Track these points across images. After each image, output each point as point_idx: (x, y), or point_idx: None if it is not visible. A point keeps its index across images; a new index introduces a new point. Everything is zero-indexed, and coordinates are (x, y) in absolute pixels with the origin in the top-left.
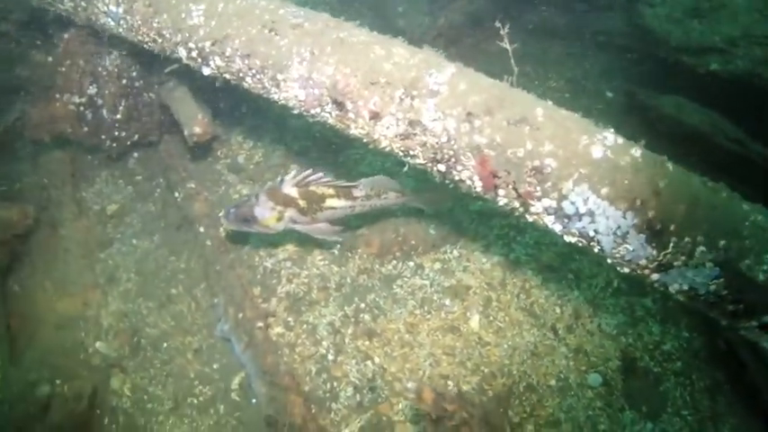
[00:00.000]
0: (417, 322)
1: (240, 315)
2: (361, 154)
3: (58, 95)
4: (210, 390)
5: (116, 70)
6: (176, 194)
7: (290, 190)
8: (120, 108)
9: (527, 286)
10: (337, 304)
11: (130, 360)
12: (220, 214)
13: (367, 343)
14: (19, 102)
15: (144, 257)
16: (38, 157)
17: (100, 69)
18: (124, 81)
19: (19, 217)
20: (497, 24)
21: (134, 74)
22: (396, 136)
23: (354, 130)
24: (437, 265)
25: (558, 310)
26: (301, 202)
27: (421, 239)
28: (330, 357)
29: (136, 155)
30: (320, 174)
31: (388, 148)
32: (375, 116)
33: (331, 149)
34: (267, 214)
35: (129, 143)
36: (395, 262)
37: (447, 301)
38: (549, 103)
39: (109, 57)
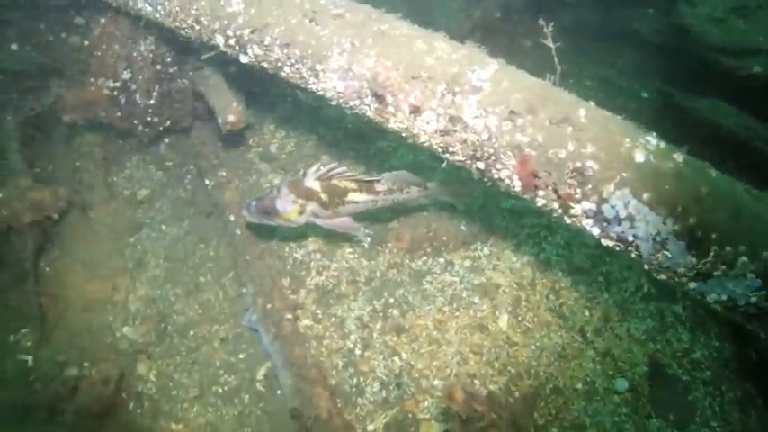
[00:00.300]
0: (446, 319)
1: (269, 306)
2: (393, 146)
3: (92, 80)
4: (236, 379)
5: (150, 56)
6: (207, 182)
7: (312, 183)
8: (154, 93)
9: (557, 287)
10: (366, 298)
11: (157, 346)
12: (243, 207)
13: (395, 338)
14: (55, 86)
15: (173, 244)
16: (71, 140)
17: (134, 55)
18: (158, 67)
19: (52, 199)
20: (540, 22)
21: (168, 60)
22: (435, 132)
23: (393, 124)
24: (467, 263)
25: (587, 313)
26: (323, 196)
27: (452, 236)
28: (357, 352)
29: (167, 140)
30: (343, 168)
31: (426, 144)
32: (415, 111)
33: (363, 141)
34: (289, 207)
35: (161, 129)
36: (425, 257)
37: (476, 299)
38: (592, 103)
39: (144, 42)
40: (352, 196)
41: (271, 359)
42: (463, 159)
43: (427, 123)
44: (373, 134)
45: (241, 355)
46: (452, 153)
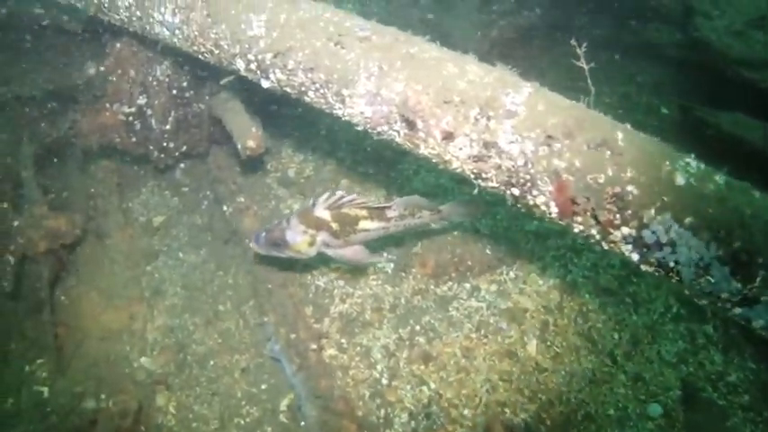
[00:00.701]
0: (474, 346)
1: (293, 336)
2: (414, 169)
3: (107, 105)
4: (258, 411)
5: (166, 80)
6: (225, 208)
7: (321, 212)
8: (170, 119)
9: (584, 310)
10: (391, 326)
11: (176, 377)
12: (252, 239)
13: (422, 367)
14: (71, 110)
15: (191, 271)
16: (85, 166)
17: (150, 79)
18: (174, 91)
19: (67, 227)
20: (572, 42)
21: (184, 84)
22: (469, 157)
23: (424, 150)
24: (493, 287)
25: (616, 336)
26: (334, 225)
27: (477, 260)
28: (384, 381)
29: (183, 166)
30: (353, 195)
31: (459, 170)
32: (448, 136)
33: (383, 163)
34: (299, 238)
35: (177, 154)
36: (450, 283)
37: (504, 325)
38: (628, 126)
39: (160, 67)
40: (363, 224)
41: (294, 390)
42: (497, 185)
43: (460, 149)
44: (394, 156)
45: (263, 386)
46: (486, 179)
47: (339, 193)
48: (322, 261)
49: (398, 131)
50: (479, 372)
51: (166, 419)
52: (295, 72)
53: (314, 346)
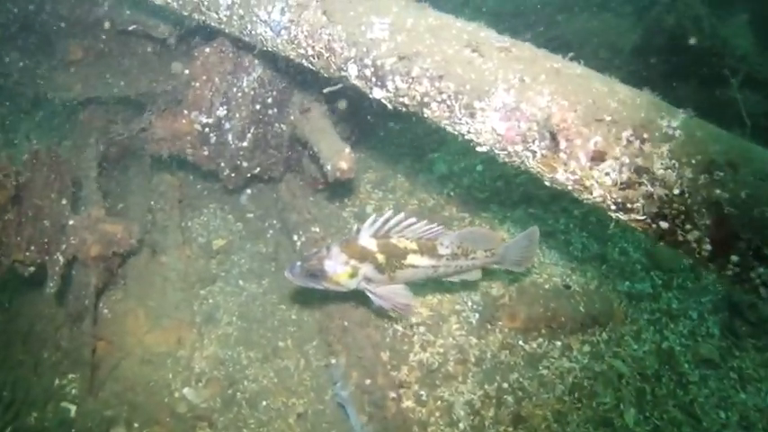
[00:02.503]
0: (567, 410)
1: (368, 381)
2: (499, 218)
3: (185, 111)
4: None
5: (251, 93)
6: (295, 238)
7: (367, 241)
8: (248, 135)
9: (683, 381)
10: (476, 381)
11: (221, 415)
12: (286, 268)
13: (510, 429)
14: (147, 111)
15: (250, 301)
16: (148, 178)
17: (235, 90)
18: (258, 107)
19: (123, 234)
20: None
21: (269, 101)
22: (615, 184)
23: (561, 175)
24: (586, 348)
25: (722, 415)
26: (380, 257)
27: (570, 317)
28: None
29: (249, 192)
30: (401, 216)
31: (598, 199)
32: (595, 158)
33: (467, 209)
34: (339, 269)
35: (248, 175)
36: (540, 339)
37: (599, 390)
38: None
39: (247, 78)
40: (411, 259)
41: None
42: (643, 218)
43: (606, 174)
44: (478, 204)
45: None
46: (630, 210)
47: (387, 213)
48: None
49: (534, 152)
50: None
51: None
52: (419, 80)
53: (393, 395)
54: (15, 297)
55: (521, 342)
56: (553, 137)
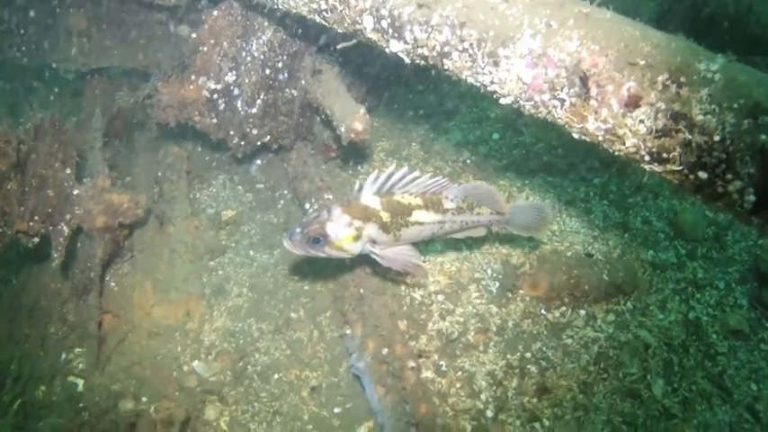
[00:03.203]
0: (592, 381)
1: (385, 350)
2: (517, 186)
3: (193, 77)
4: None
5: (261, 58)
6: (308, 206)
7: (370, 200)
8: (258, 102)
9: (712, 352)
10: (498, 351)
11: (231, 388)
12: (285, 237)
13: (534, 401)
14: (153, 77)
15: (261, 272)
16: (155, 149)
17: (244, 55)
18: (268, 71)
19: (130, 205)
20: None
21: (279, 65)
22: (650, 132)
23: (591, 124)
24: (610, 317)
25: (754, 387)
26: (384, 215)
27: (594, 286)
28: (489, 414)
29: (259, 162)
30: (404, 170)
31: (631, 150)
32: (629, 104)
33: (486, 176)
34: (343, 232)
35: (258, 143)
36: (563, 308)
37: (625, 360)
38: None
39: (257, 41)
40: (417, 215)
41: (376, 417)
42: (679, 168)
43: (640, 122)
44: (495, 171)
45: (336, 410)
46: (665, 160)
47: (390, 168)
48: None
49: (562, 101)
50: (599, 411)
51: None
52: (440, 28)
53: (412, 365)
54: (20, 272)
55: (543, 311)
56: (583, 83)
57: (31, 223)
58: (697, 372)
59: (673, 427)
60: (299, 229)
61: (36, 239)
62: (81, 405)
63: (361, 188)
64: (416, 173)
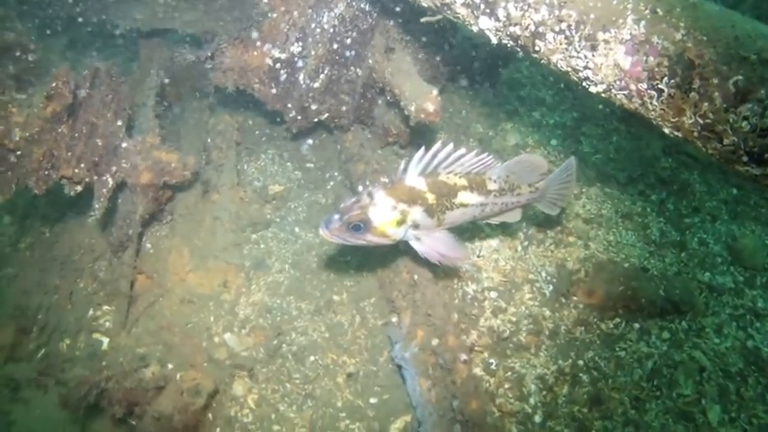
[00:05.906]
0: (645, 398)
1: (435, 341)
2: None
3: (258, 43)
4: (360, 429)
5: (330, 31)
6: (360, 189)
7: (416, 181)
8: (321, 76)
9: None
10: (550, 355)
11: (264, 366)
12: (321, 223)
13: (585, 411)
14: (218, 38)
15: (305, 250)
16: (207, 116)
17: (313, 26)
18: (335, 46)
19: (177, 165)
20: None
21: (348, 41)
22: (753, 130)
23: (687, 119)
24: (665, 334)
25: None
26: (430, 197)
27: (650, 300)
28: (537, 419)
29: (311, 141)
30: (450, 147)
31: (728, 149)
32: (735, 98)
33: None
34: (387, 217)
35: (315, 120)
36: (617, 320)
37: (679, 380)
38: None
39: (327, 13)
40: (462, 197)
41: (416, 410)
42: None
43: (744, 118)
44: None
45: (372, 400)
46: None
47: (436, 146)
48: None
49: (660, 92)
50: (651, 430)
51: (242, 413)
52: (537, 7)
53: (465, 357)
54: (56, 225)
55: (596, 320)
56: (686, 74)
57: (76, 170)
58: (757, 404)
59: None
60: (336, 216)
61: (79, 188)
62: (104, 363)
63: (405, 169)
64: (462, 150)
